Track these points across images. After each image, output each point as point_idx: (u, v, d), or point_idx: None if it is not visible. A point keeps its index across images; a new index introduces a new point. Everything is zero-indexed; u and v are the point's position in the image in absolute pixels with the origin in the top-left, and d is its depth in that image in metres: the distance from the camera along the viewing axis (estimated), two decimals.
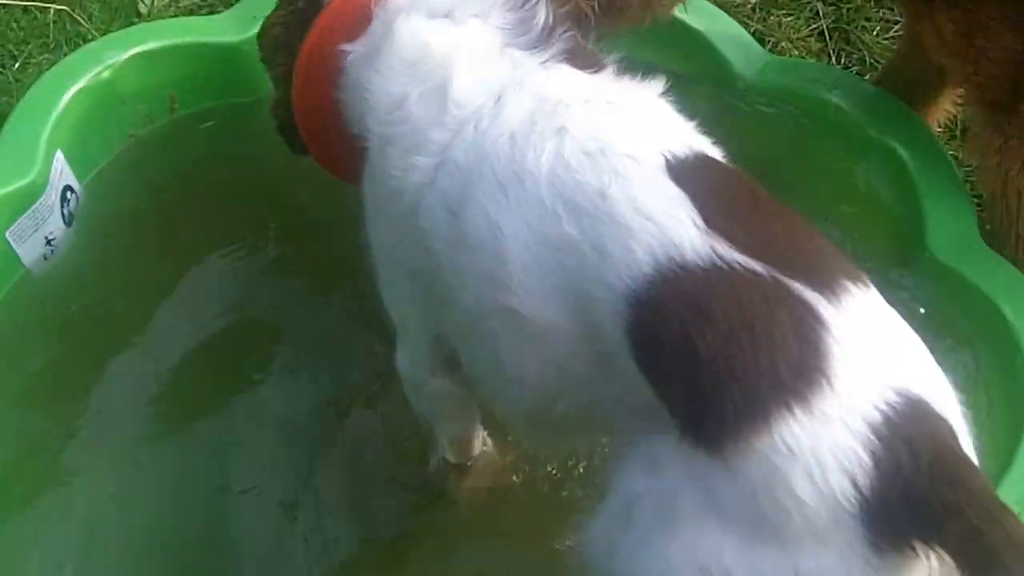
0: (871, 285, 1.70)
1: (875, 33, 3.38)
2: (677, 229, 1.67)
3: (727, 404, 1.57)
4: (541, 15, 1.99)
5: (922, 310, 2.45)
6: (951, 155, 2.79)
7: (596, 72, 1.96)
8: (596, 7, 2.41)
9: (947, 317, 2.44)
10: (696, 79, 2.90)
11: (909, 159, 2.67)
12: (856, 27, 3.40)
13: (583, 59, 1.98)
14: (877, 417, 1.53)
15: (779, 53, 3.29)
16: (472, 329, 1.94)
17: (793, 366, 1.56)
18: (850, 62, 3.31)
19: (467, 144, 1.89)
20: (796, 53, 3.34)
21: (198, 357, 2.65)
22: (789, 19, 3.41)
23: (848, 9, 3.44)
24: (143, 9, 3.32)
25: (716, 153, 1.88)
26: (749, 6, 3.44)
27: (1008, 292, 2.39)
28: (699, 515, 1.61)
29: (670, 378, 1.65)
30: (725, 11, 3.16)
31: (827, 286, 1.63)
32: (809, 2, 3.46)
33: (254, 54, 2.47)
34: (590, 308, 1.75)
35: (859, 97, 2.82)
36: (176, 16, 3.26)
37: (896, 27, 3.39)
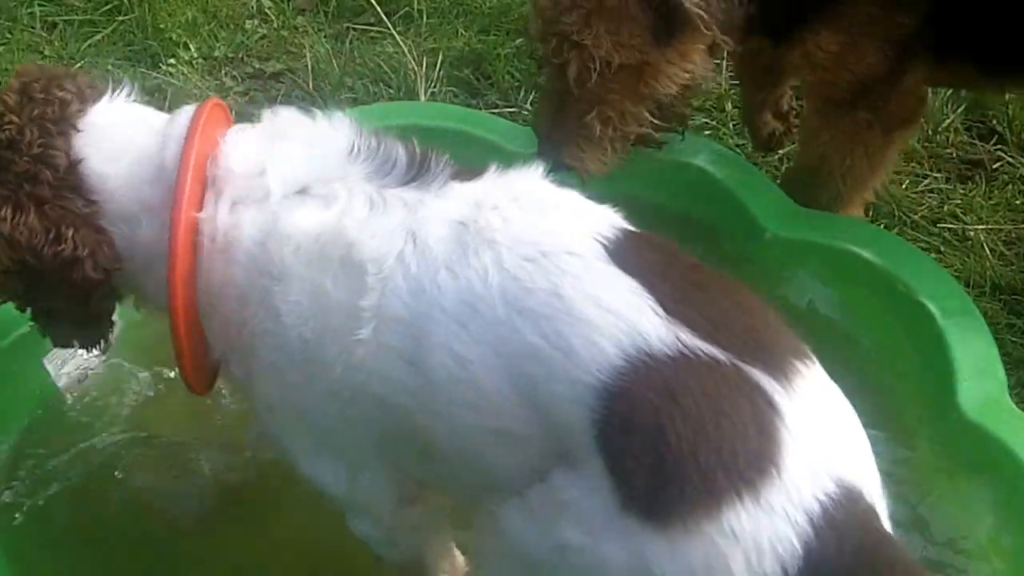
0: (815, 360, 1.80)
1: (904, 186, 3.42)
2: (640, 319, 1.74)
3: (685, 487, 1.65)
4: (400, 150, 1.99)
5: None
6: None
7: (482, 177, 1.97)
8: (653, 122, 2.73)
9: (974, 471, 2.46)
10: (723, 230, 2.94)
11: (939, 314, 2.67)
12: (885, 179, 3.41)
13: (465, 173, 1.99)
14: (815, 507, 1.65)
15: None
16: (457, 454, 1.91)
17: (751, 456, 1.66)
18: (878, 215, 3.33)
19: (402, 294, 1.86)
20: None
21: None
22: None
23: None
24: None
25: (624, 222, 1.93)
26: (777, 157, 3.48)
27: None
28: None
29: (635, 462, 1.69)
30: (753, 163, 3.21)
31: (780, 369, 1.73)
32: None
33: None
34: (553, 409, 1.77)
35: (888, 251, 2.84)
36: None
37: (926, 180, 3.43)
